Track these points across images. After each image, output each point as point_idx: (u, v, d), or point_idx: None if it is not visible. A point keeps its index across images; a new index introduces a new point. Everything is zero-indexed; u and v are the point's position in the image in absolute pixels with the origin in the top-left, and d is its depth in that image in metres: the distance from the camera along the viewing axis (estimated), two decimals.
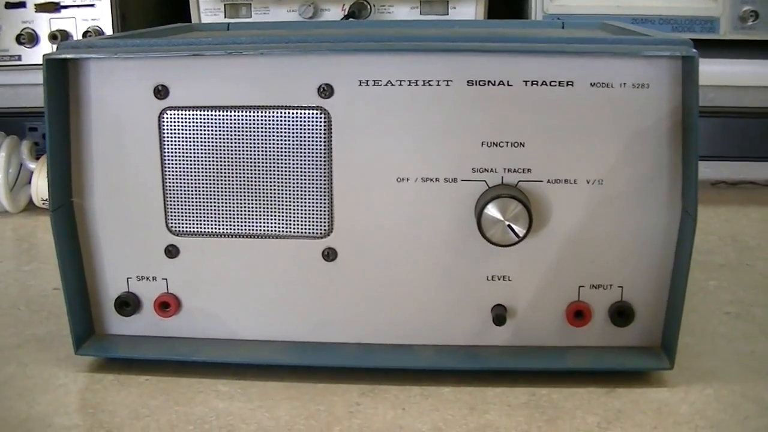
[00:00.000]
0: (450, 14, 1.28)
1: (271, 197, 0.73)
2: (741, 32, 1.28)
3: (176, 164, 0.73)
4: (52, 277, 0.73)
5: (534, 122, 0.70)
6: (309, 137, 0.72)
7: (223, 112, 0.72)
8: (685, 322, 0.71)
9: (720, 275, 0.98)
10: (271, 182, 0.73)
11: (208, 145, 0.72)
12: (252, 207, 0.73)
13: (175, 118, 0.73)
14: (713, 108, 1.29)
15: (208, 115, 0.72)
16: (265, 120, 0.72)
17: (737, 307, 0.89)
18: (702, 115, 1.24)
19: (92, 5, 1.29)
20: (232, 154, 0.72)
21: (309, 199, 0.73)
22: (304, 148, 0.72)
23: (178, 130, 0.73)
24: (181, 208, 0.74)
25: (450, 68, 0.70)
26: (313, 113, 0.71)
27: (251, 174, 0.73)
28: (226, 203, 0.73)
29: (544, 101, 0.70)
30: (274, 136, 0.72)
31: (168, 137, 0.73)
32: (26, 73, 1.32)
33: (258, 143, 0.72)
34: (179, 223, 0.74)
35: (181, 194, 0.74)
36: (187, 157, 0.73)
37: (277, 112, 0.72)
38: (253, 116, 0.72)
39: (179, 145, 0.73)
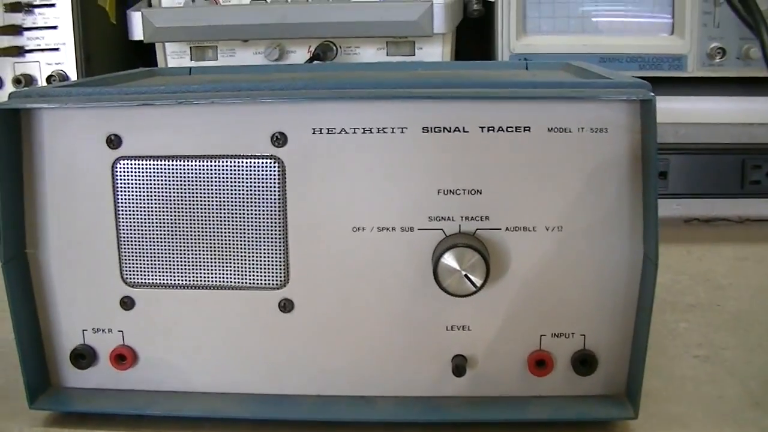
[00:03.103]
0: (417, 55, 1.27)
1: (226, 248, 0.72)
2: (709, 69, 1.28)
3: (130, 215, 0.72)
4: (11, 326, 0.72)
5: (491, 169, 0.69)
6: (263, 187, 0.71)
7: (176, 161, 0.71)
8: (653, 366, 0.71)
9: (690, 316, 0.97)
10: (225, 233, 0.72)
11: (162, 196, 0.71)
12: (207, 258, 0.72)
13: (128, 168, 0.71)
14: (685, 145, 1.29)
15: (161, 164, 0.71)
16: (219, 170, 0.71)
17: (706, 350, 0.87)
18: (674, 152, 1.25)
19: (56, 49, 1.28)
20: (186, 205, 0.71)
21: (264, 249, 0.72)
22: (259, 198, 0.71)
23: (132, 180, 0.71)
24: (136, 260, 0.73)
25: (404, 115, 0.69)
26: (266, 162, 0.70)
27: (206, 224, 0.72)
28: (181, 254, 0.72)
29: (500, 147, 0.69)
30: (227, 185, 0.71)
31: (121, 187, 0.72)
32: None
33: (212, 193, 0.71)
34: (134, 275, 0.73)
35: (135, 245, 0.72)
36: (141, 207, 0.72)
37: (231, 162, 0.71)
38: (207, 166, 0.71)
39: (133, 195, 0.72)
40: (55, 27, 1.28)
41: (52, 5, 1.27)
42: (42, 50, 1.29)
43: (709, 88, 1.29)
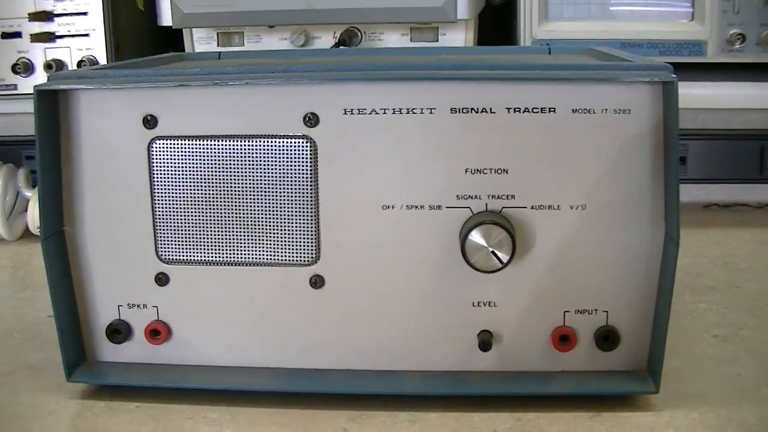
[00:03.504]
0: (440, 41, 1.28)
1: (258, 225, 0.73)
2: (729, 55, 1.28)
3: (165, 193, 0.74)
4: (46, 304, 0.73)
5: (517, 149, 0.71)
6: (295, 166, 0.72)
7: (210, 141, 0.72)
8: (673, 345, 0.72)
9: (709, 298, 0.98)
10: (258, 210, 0.73)
11: (197, 174, 0.73)
12: (240, 235, 0.74)
13: (164, 147, 0.73)
14: (704, 130, 1.30)
15: (196, 144, 0.73)
16: (252, 149, 0.72)
17: (725, 330, 0.88)
18: (693, 138, 1.26)
19: (87, 35, 1.30)
20: (220, 183, 0.73)
21: (296, 227, 0.73)
22: (291, 177, 0.72)
23: (167, 159, 0.73)
24: (171, 237, 0.74)
25: (433, 96, 0.70)
26: (299, 142, 0.72)
27: (239, 202, 0.73)
28: (214, 231, 0.74)
29: (527, 128, 0.70)
30: (260, 164, 0.72)
31: (157, 166, 0.73)
32: (22, 102, 1.32)
33: (245, 172, 0.73)
34: (169, 251, 0.75)
35: (170, 223, 0.74)
36: (176, 186, 0.73)
37: (264, 141, 0.72)
38: (240, 145, 0.72)
39: (168, 174, 0.73)
40: (85, 13, 1.30)
41: None
42: (72, 36, 1.31)
43: (729, 73, 1.30)
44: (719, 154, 1.30)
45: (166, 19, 1.32)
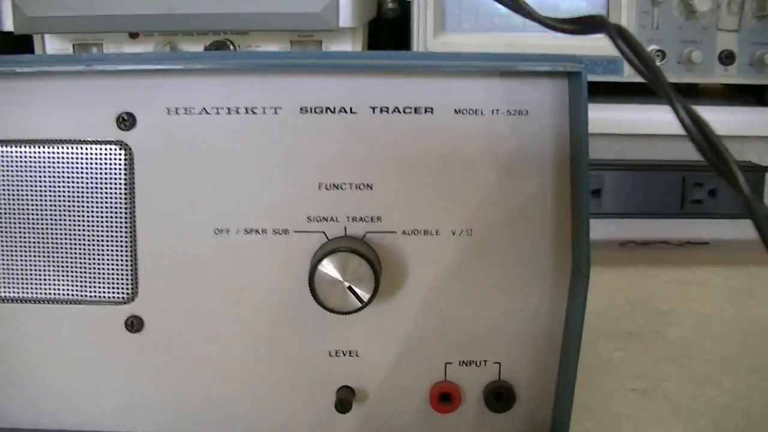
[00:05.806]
0: None
1: (62, 253, 0.64)
2: None
3: None
4: None
5: (385, 159, 0.63)
6: (106, 179, 0.63)
7: (2, 147, 0.63)
8: (583, 403, 0.67)
9: (627, 345, 0.91)
10: (61, 234, 0.64)
11: None
12: (41, 266, 0.64)
13: None
14: (620, 160, 1.25)
15: None
16: (52, 158, 0.63)
17: (646, 383, 0.82)
18: (608, 168, 1.17)
19: None
20: (14, 201, 0.64)
21: (107, 255, 0.64)
22: (101, 193, 0.63)
23: None
24: None
25: (278, 92, 0.62)
26: (110, 149, 0.63)
27: (39, 224, 0.64)
28: (10, 260, 0.64)
29: (396, 132, 0.62)
30: (64, 178, 0.63)
31: None
32: None
33: (46, 186, 0.63)
34: None
35: None
36: None
37: (67, 148, 0.63)
38: (39, 153, 0.63)
39: None
40: None
41: None
42: None
43: (647, 95, 1.22)
44: (637, 187, 1.26)
45: (7, 23, 1.21)
